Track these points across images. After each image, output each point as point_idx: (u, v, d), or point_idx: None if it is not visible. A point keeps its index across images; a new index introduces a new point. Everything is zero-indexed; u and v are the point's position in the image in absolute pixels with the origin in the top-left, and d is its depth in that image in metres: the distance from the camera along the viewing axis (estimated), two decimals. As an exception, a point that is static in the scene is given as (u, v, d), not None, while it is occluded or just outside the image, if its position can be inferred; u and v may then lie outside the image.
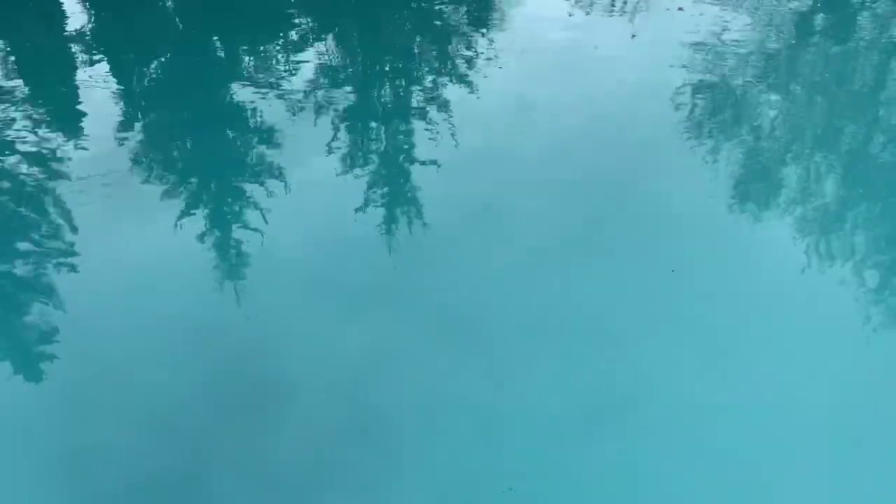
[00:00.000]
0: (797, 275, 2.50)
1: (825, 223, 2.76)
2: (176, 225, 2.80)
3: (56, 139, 3.44)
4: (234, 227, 2.78)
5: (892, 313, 2.52)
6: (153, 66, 4.27)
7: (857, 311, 2.42)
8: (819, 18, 4.90)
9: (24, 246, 2.90)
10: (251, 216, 2.88)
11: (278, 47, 4.32)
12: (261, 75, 3.99)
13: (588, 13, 4.84)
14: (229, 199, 2.96)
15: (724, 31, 4.38)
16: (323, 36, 4.57)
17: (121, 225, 2.87)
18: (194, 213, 2.88)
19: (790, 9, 4.87)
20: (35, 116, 3.64)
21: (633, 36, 4.41)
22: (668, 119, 3.41)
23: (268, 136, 3.40)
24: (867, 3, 5.24)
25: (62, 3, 5.45)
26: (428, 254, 2.63)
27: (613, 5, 4.95)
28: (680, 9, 4.51)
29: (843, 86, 3.94)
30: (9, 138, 3.42)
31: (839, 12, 5.02)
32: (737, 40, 4.28)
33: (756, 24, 4.60)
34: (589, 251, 2.57)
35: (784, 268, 2.51)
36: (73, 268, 2.81)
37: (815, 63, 4.22)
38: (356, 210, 2.81)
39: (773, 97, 3.65)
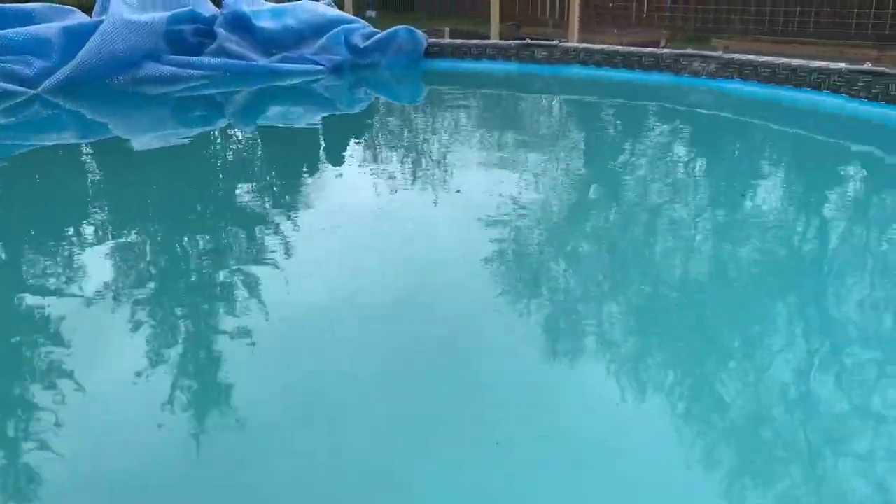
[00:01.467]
0: (610, 418, 2.60)
1: (641, 370, 2.91)
2: None
3: None
4: None
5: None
6: None
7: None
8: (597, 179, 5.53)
9: None
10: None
11: (66, 248, 4.23)
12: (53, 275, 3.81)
13: (393, 192, 5.17)
14: None
15: (509, 205, 4.71)
16: (115, 227, 4.54)
17: None
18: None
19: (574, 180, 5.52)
20: None
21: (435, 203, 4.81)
22: (478, 288, 3.52)
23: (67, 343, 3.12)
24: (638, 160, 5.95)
25: None
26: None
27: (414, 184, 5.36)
28: (458, 191, 4.97)
29: (627, 237, 4.37)
30: None
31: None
32: (534, 206, 4.67)
33: (548, 190, 5.09)
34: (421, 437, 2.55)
35: (602, 416, 2.59)
36: None
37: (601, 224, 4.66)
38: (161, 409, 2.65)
39: (568, 260, 3.97)
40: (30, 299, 3.47)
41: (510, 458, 2.33)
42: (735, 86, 8.16)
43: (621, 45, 14.39)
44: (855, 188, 5.43)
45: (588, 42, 12.28)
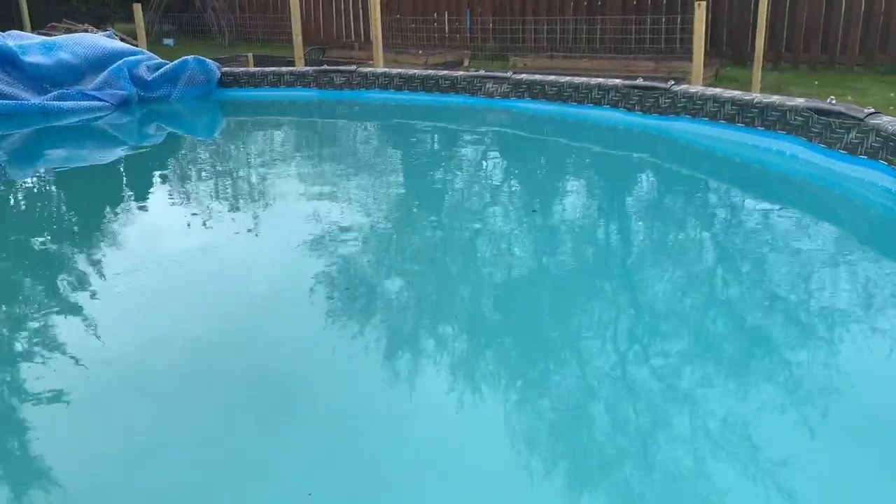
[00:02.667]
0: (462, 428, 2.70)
1: (482, 376, 3.08)
2: None
3: None
4: None
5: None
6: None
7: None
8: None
9: None
10: None
11: None
12: None
13: (205, 225, 5.04)
14: None
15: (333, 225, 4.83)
16: None
17: None
18: None
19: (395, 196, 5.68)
20: None
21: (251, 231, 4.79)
22: (306, 317, 3.56)
23: None
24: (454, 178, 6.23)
25: None
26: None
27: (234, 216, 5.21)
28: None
29: (456, 248, 4.54)
30: None
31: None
32: (354, 230, 4.72)
33: (364, 214, 5.14)
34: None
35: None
36: None
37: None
38: None
39: (401, 277, 4.07)
40: None
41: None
42: (526, 104, 8.51)
43: (426, 65, 14.70)
44: (639, 190, 5.84)
45: (394, 63, 12.40)
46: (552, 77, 8.55)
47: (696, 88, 7.42)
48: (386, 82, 9.44)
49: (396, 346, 3.20)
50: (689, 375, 2.97)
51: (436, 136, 8.18)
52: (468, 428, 2.63)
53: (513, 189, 5.90)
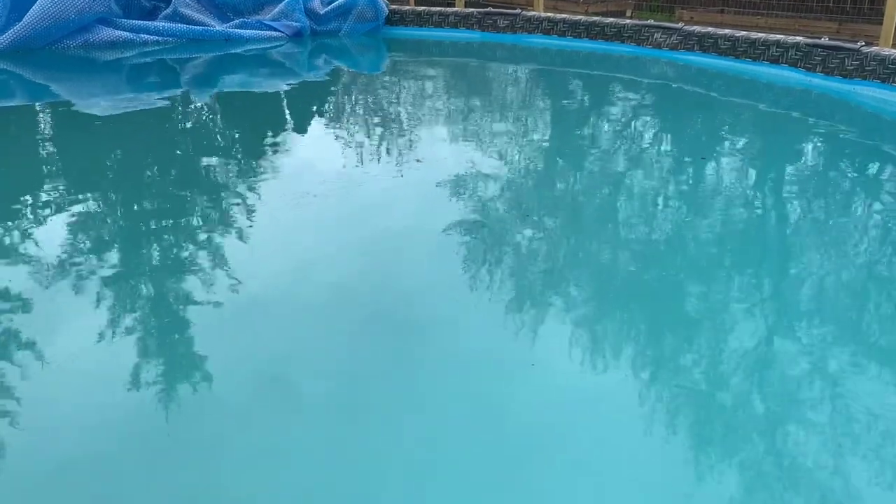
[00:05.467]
0: (574, 399, 2.64)
1: (603, 347, 2.95)
2: None
3: None
4: None
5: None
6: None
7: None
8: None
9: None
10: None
11: (19, 218, 4.17)
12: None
13: (354, 160, 5.17)
14: None
15: (473, 174, 4.73)
16: (69, 194, 4.44)
17: None
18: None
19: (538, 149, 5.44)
20: None
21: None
22: (441, 261, 3.53)
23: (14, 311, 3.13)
24: (601, 133, 6.00)
25: None
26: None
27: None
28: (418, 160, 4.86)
29: (595, 208, 4.33)
30: None
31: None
32: (494, 176, 4.66)
33: (507, 161, 5.05)
34: (369, 404, 2.57)
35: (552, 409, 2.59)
36: None
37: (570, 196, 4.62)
38: (130, 380, 2.64)
39: (535, 230, 3.90)
40: None
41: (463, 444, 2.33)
42: (695, 58, 8.18)
43: (587, 13, 14.34)
44: (812, 160, 5.50)
45: (553, 10, 12.21)
46: (726, 31, 8.15)
47: (890, 51, 6.86)
48: (549, 27, 9.33)
49: (525, 298, 3.16)
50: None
51: (596, 84, 8.03)
52: (588, 385, 2.61)
53: (669, 149, 5.69)
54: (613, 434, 2.33)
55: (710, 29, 8.34)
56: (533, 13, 9.70)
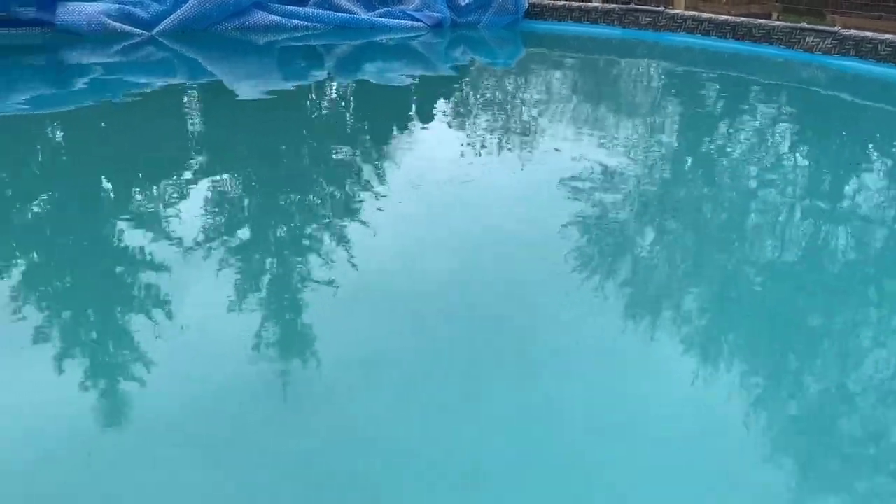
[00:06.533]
0: (689, 411, 2.50)
1: (721, 358, 2.78)
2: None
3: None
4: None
5: None
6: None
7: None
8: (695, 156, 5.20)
9: None
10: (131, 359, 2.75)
11: (165, 187, 4.36)
12: (149, 212, 3.91)
13: (477, 153, 5.14)
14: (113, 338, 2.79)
15: (604, 169, 4.66)
16: (210, 168, 4.60)
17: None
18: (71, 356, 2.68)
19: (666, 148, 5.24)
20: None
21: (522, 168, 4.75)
22: (554, 256, 3.45)
23: (154, 272, 3.30)
24: (744, 141, 5.66)
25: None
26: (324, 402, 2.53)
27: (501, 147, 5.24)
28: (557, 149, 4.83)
29: (725, 216, 4.12)
30: None
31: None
32: (618, 178, 4.51)
33: (635, 163, 4.87)
34: (465, 393, 2.53)
35: (674, 404, 2.49)
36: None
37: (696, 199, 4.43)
38: (252, 348, 2.73)
39: (657, 234, 3.78)
40: (128, 234, 3.62)
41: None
42: (851, 63, 7.76)
43: (730, 14, 13.84)
44: None
45: (695, 9, 11.85)
46: (887, 35, 7.68)
47: None
48: (693, 26, 9.09)
49: (638, 304, 3.07)
50: None
51: (740, 87, 7.74)
52: (702, 400, 2.49)
53: (811, 165, 5.34)
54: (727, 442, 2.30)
55: (868, 33, 7.89)
56: (677, 11, 9.48)
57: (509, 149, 5.28)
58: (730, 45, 8.73)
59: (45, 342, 2.66)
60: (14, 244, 3.47)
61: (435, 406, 2.40)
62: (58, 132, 5.48)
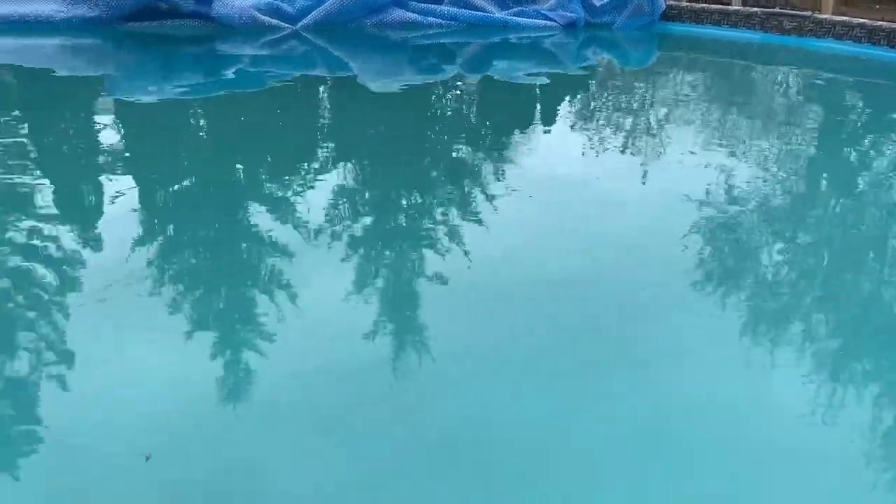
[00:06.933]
0: (800, 428, 2.39)
1: (839, 379, 2.61)
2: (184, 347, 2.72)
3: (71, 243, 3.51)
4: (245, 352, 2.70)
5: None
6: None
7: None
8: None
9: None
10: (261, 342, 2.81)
11: (294, 174, 4.50)
12: (278, 198, 4.07)
13: (597, 155, 5.14)
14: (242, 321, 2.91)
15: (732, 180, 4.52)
16: (333, 163, 4.73)
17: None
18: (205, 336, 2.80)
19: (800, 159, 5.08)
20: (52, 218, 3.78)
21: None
22: (680, 267, 3.37)
23: (282, 257, 3.39)
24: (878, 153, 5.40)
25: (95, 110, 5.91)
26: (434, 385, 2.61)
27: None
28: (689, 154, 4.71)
29: (855, 234, 3.94)
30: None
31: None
32: (748, 190, 4.35)
33: (767, 175, 4.68)
34: (584, 395, 2.50)
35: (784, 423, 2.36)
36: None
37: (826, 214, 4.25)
38: (364, 337, 2.80)
39: (785, 249, 3.66)
40: (257, 216, 3.83)
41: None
42: None
43: (884, 20, 13.01)
44: None
45: (841, 15, 11.23)
46: None
47: None
48: (843, 32, 8.63)
49: (760, 321, 2.94)
50: None
51: (892, 99, 7.28)
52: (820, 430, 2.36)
53: None
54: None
55: None
56: (825, 16, 9.03)
57: (627, 155, 5.19)
58: (882, 54, 8.23)
59: (176, 315, 2.85)
60: (156, 220, 3.78)
61: (551, 401, 2.44)
62: (208, 115, 5.92)
